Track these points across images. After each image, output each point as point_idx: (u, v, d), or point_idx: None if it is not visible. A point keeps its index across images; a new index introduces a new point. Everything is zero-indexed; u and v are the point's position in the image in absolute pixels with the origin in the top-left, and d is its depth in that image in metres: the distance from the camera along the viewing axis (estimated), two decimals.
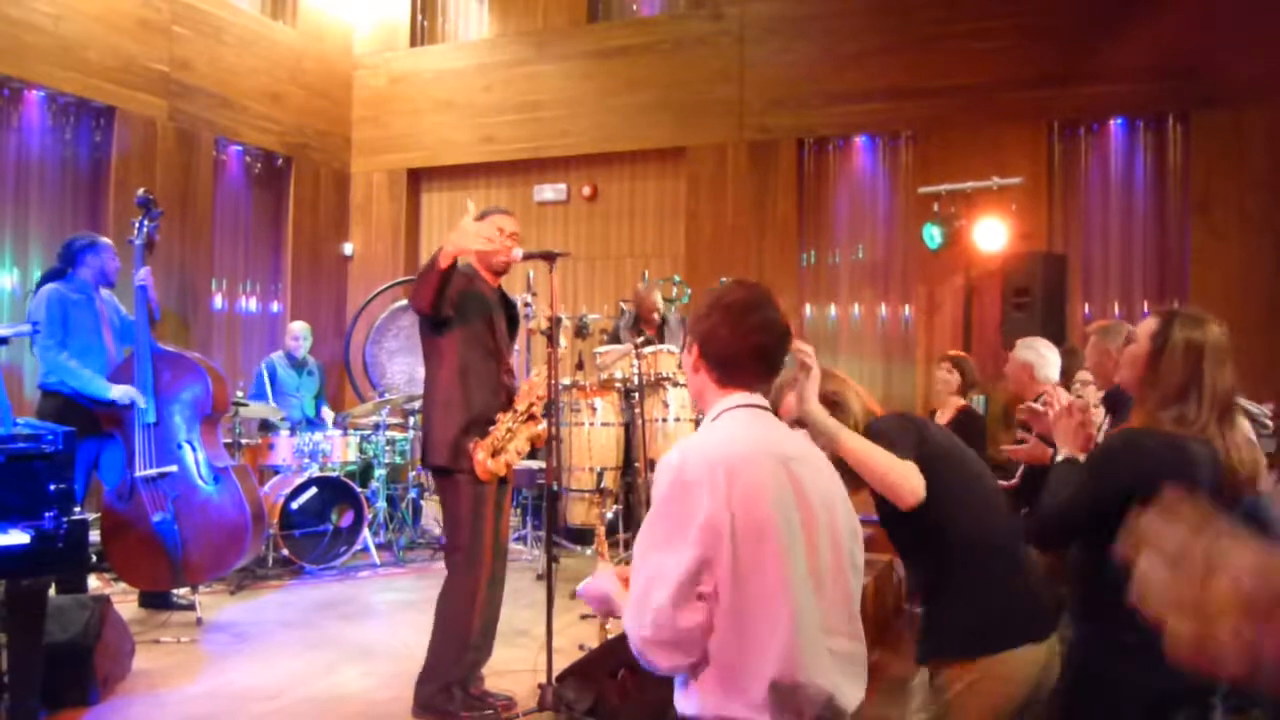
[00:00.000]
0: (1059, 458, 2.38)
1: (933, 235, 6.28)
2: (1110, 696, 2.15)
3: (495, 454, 3.49)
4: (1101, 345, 3.54)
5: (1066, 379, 4.11)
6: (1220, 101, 6.29)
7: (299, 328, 6.80)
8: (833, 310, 7.45)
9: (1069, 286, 6.43)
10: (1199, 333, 2.17)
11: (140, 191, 4.91)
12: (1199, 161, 6.41)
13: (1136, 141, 6.73)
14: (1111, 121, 6.74)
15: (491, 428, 3.52)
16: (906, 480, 2.12)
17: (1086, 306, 6.76)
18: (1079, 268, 6.72)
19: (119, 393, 4.55)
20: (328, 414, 6.78)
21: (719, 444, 1.71)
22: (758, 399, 1.80)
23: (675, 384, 5.78)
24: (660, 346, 6.11)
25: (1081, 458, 2.32)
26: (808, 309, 7.49)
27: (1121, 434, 2.29)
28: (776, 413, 1.97)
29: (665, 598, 1.60)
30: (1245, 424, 2.39)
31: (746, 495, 1.63)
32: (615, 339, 6.46)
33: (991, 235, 6.20)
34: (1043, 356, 4.13)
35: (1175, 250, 6.58)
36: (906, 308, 7.21)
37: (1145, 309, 6.61)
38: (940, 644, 2.26)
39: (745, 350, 1.77)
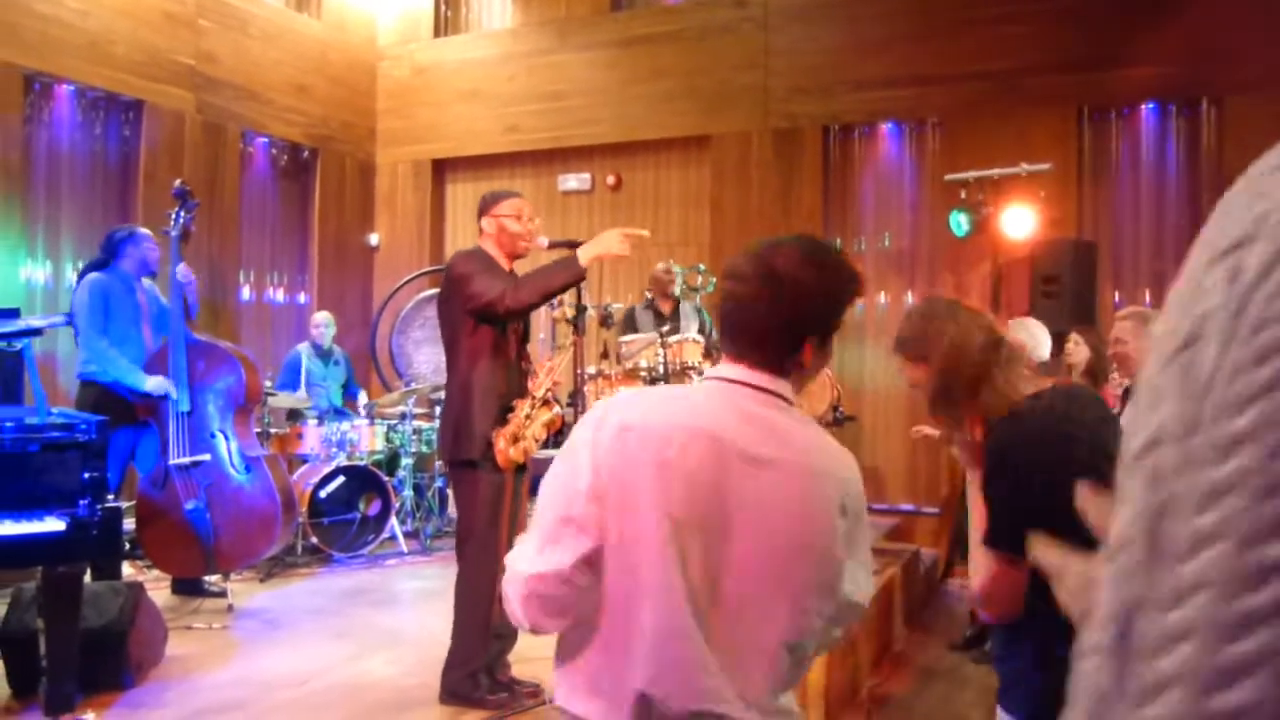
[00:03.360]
0: None
1: (960, 222, 6.22)
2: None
3: (515, 441, 3.51)
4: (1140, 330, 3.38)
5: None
6: (1255, 85, 6.16)
7: (321, 317, 6.88)
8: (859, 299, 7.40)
9: (1098, 274, 6.35)
10: None
11: (177, 182, 4.94)
12: (1233, 147, 6.29)
13: (1169, 127, 6.62)
14: (1143, 106, 6.63)
15: (510, 414, 3.53)
16: None
17: (1116, 294, 6.67)
18: (1109, 255, 6.62)
19: (153, 384, 4.62)
20: (364, 396, 6.91)
21: (646, 406, 1.58)
22: (731, 371, 1.58)
23: (700, 373, 5.77)
24: (685, 335, 6.11)
25: None
26: None
27: None
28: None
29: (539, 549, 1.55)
30: None
31: (623, 458, 1.48)
32: (630, 322, 6.47)
33: (1020, 222, 6.14)
34: (1034, 337, 4.18)
35: None
36: None
37: None
38: None
39: (720, 314, 1.63)
